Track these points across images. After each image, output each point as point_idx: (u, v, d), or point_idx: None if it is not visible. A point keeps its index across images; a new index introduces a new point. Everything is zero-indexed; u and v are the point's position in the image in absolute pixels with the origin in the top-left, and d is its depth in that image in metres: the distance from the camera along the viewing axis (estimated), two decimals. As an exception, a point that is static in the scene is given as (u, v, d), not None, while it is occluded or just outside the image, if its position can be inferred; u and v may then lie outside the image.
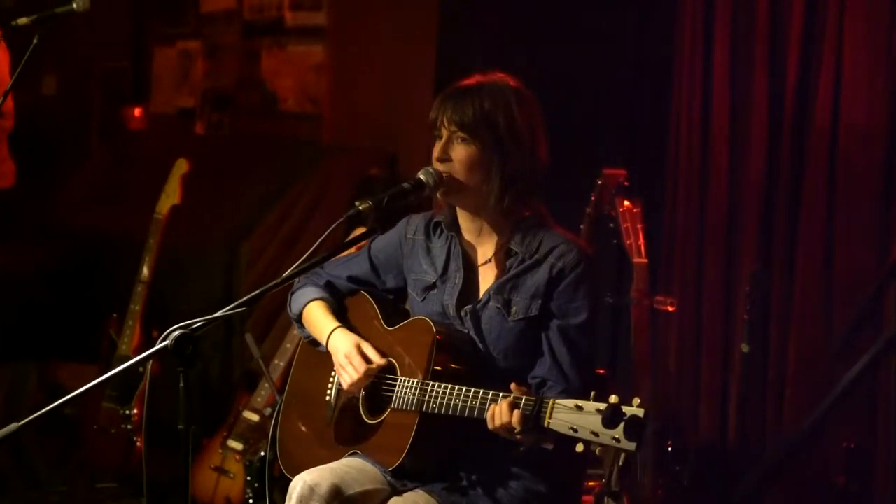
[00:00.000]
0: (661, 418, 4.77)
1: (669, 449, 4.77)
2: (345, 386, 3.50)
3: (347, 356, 3.49)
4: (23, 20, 4.04)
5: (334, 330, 3.58)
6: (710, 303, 5.20)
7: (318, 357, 3.65)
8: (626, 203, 4.67)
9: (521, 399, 3.11)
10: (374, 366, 3.46)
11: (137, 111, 7.89)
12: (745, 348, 4.71)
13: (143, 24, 8.03)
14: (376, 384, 3.49)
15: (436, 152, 3.39)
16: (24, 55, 3.98)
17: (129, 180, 7.41)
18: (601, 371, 3.93)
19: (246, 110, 7.44)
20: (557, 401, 3.04)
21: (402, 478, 3.43)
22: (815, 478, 4.86)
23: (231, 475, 5.46)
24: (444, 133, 3.38)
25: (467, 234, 3.51)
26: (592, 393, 3.01)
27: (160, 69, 7.95)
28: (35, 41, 3.91)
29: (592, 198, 4.78)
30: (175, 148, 6.35)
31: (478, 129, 3.34)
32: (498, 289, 3.40)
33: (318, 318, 3.64)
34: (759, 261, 5.01)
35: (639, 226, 4.64)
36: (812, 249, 4.92)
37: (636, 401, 2.94)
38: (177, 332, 2.83)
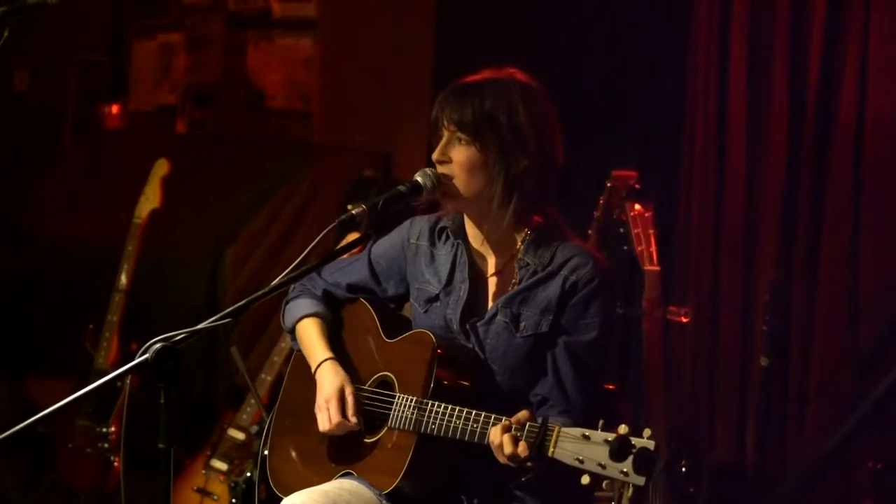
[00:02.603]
0: (674, 436, 4.76)
1: (683, 469, 4.76)
2: (320, 428, 3.51)
3: (327, 401, 3.48)
4: (-7, 10, 4.02)
5: (323, 362, 3.57)
6: (727, 313, 5.20)
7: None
8: (637, 207, 4.66)
9: (525, 426, 3.10)
10: (349, 423, 3.45)
11: (115, 108, 7.87)
12: (764, 362, 4.70)
13: (122, 16, 8.03)
14: (373, 400, 3.48)
15: (435, 153, 3.38)
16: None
17: (106, 182, 7.39)
18: (611, 386, 3.92)
19: (231, 107, 7.44)
20: (563, 429, 3.03)
21: (399, 502, 3.41)
22: (839, 501, 4.85)
23: (215, 497, 5.45)
24: (445, 133, 3.37)
25: (475, 241, 3.48)
26: (601, 422, 3.00)
27: (139, 63, 7.95)
28: (6, 34, 3.89)
29: (601, 201, 4.77)
30: (155, 148, 6.34)
31: (478, 129, 3.32)
32: (507, 302, 3.38)
33: (311, 342, 3.62)
34: (779, 268, 5.00)
35: (650, 231, 4.63)
36: (836, 256, 4.92)
37: (647, 432, 2.93)
38: (158, 345, 2.82)
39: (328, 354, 3.57)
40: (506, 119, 3.31)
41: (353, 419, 3.46)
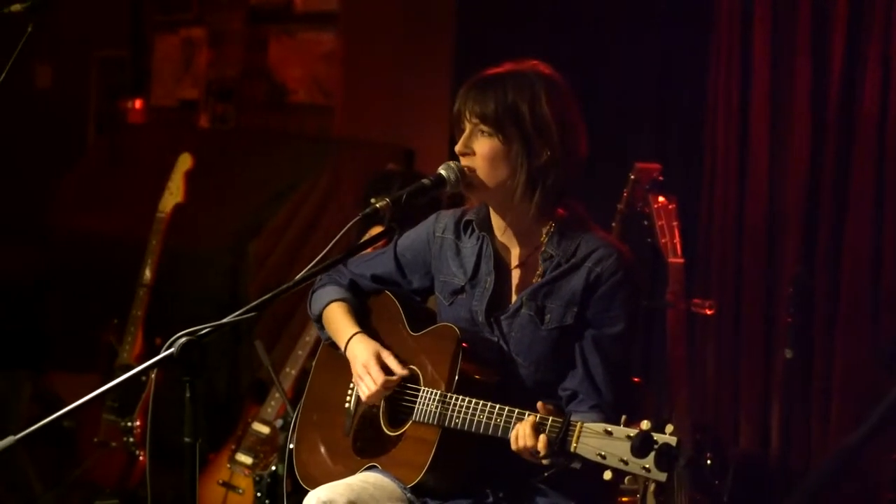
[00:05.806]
0: (698, 429, 4.75)
1: (708, 463, 4.76)
2: (362, 398, 3.50)
3: (365, 365, 3.48)
4: (15, 7, 4.03)
5: (353, 335, 3.57)
6: (751, 306, 5.19)
7: (338, 361, 3.63)
8: (661, 199, 4.65)
9: (547, 421, 3.10)
10: (393, 378, 3.45)
11: (137, 104, 7.90)
12: (788, 354, 4.70)
13: (143, 11, 8.05)
14: (398, 394, 3.48)
15: (458, 146, 3.38)
16: (16, 45, 3.98)
17: (129, 177, 7.42)
18: (635, 379, 3.92)
19: (252, 102, 7.46)
20: (586, 424, 3.03)
21: (423, 495, 3.42)
22: (860, 493, 4.84)
23: (240, 491, 5.46)
24: (467, 125, 3.37)
25: (500, 233, 3.48)
26: (623, 417, 3.00)
27: (161, 59, 7.96)
28: (29, 30, 3.91)
29: (624, 194, 4.76)
30: (177, 142, 6.35)
31: (500, 121, 3.32)
32: (531, 294, 3.38)
33: (338, 321, 3.63)
34: (802, 261, 4.99)
35: (674, 223, 4.62)
36: (859, 249, 4.91)
37: (669, 428, 2.93)
38: (182, 339, 2.83)
39: (357, 329, 3.58)
40: (528, 111, 3.31)
41: (402, 371, 3.45)
